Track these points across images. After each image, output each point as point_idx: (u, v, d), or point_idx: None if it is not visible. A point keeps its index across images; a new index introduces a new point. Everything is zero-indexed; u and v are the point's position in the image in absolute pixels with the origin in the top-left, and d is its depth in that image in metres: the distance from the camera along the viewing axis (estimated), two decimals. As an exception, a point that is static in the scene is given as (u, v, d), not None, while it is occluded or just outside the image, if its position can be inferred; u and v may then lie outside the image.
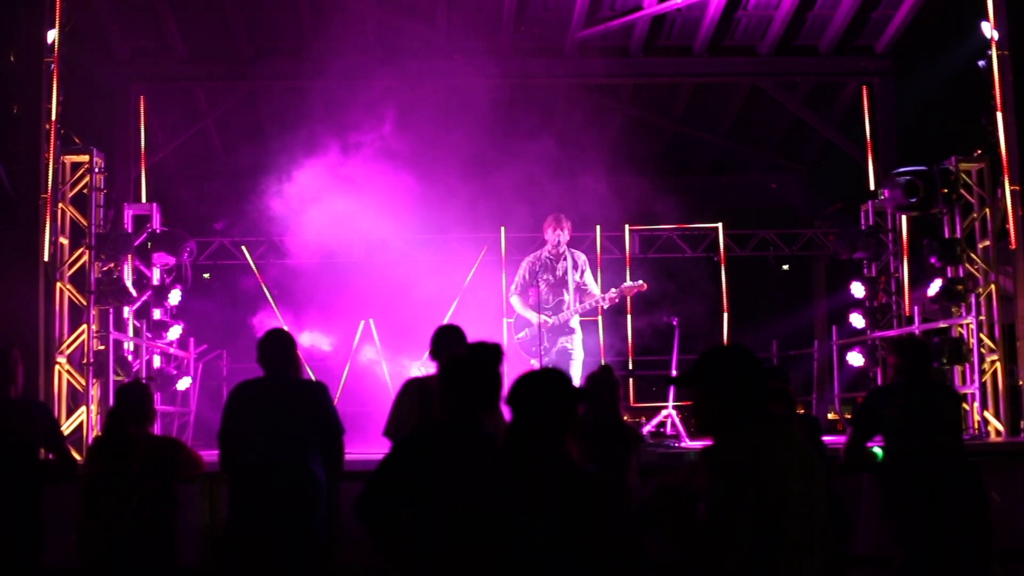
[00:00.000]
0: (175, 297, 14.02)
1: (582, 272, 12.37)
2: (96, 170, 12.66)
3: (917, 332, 13.23)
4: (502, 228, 14.69)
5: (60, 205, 12.36)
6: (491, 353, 5.36)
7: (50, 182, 11.97)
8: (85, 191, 12.65)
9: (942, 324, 13.27)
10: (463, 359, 5.38)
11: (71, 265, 12.55)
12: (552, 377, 4.60)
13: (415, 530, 5.01)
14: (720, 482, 4.41)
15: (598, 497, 4.41)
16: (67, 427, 11.66)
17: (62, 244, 12.44)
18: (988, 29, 12.74)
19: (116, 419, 7.51)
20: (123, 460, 7.21)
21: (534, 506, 4.29)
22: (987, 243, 13.08)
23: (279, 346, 7.42)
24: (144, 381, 11.80)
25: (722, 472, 4.43)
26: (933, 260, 13.10)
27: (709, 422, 4.57)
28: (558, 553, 4.26)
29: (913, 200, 13.25)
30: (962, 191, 13.23)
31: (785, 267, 19.83)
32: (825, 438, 9.12)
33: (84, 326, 12.28)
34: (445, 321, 11.06)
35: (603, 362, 10.83)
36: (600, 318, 13.63)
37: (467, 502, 4.41)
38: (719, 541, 4.35)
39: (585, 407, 7.96)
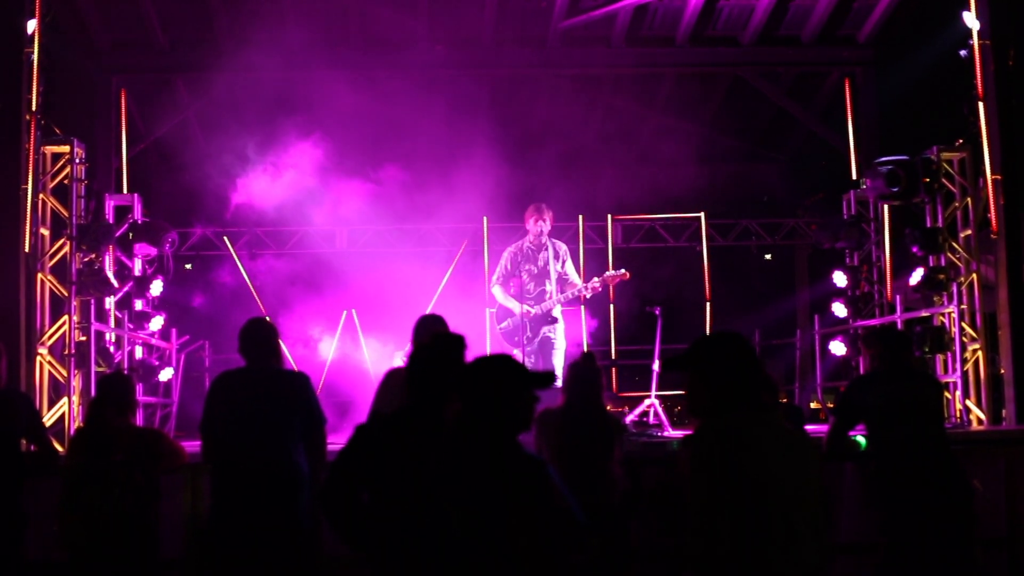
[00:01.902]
0: (157, 288, 13.98)
1: (563, 262, 12.38)
2: (77, 161, 12.61)
3: (899, 321, 13.26)
4: (484, 218, 14.67)
5: (41, 196, 12.30)
6: (453, 341, 5.38)
7: (31, 173, 11.90)
8: (66, 182, 12.60)
9: (924, 313, 13.30)
10: (425, 347, 5.39)
11: (52, 256, 12.51)
12: (499, 363, 4.60)
13: (374, 515, 5.00)
14: (699, 468, 4.43)
15: (541, 479, 4.42)
16: (49, 418, 11.63)
17: (43, 235, 12.39)
18: (970, 19, 12.76)
19: (97, 410, 7.49)
20: (105, 451, 7.19)
21: (478, 491, 4.31)
22: (969, 232, 13.11)
23: (261, 336, 7.42)
24: (126, 372, 11.82)
25: (701, 458, 4.45)
26: (915, 249, 13.12)
27: (700, 407, 4.58)
28: (500, 537, 4.27)
29: (895, 189, 13.27)
30: (944, 180, 13.26)
31: (768, 256, 19.87)
32: (808, 427, 9.14)
33: (65, 317, 12.24)
34: (427, 311, 11.05)
35: (585, 349, 10.85)
36: (583, 308, 13.63)
37: (416, 488, 4.42)
38: (701, 527, 4.37)
39: (565, 396, 7.97)
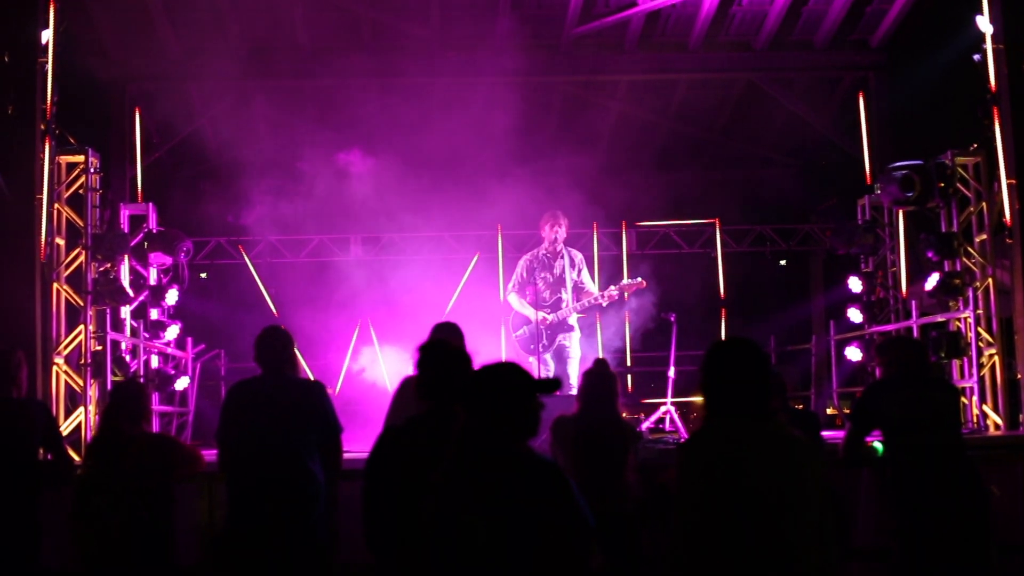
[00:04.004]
0: (172, 297, 14.00)
1: (579, 270, 12.39)
2: (91, 170, 12.63)
3: (915, 326, 13.24)
4: (499, 226, 14.67)
5: (56, 206, 12.33)
6: (453, 354, 5.42)
7: (45, 183, 11.93)
8: (81, 191, 12.62)
9: (940, 318, 13.26)
10: (432, 354, 5.41)
11: (67, 266, 12.53)
12: (503, 371, 4.59)
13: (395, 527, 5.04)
14: (683, 473, 4.49)
15: (554, 482, 4.41)
16: (65, 428, 11.64)
17: (58, 245, 12.42)
18: (983, 22, 12.73)
19: (111, 419, 7.49)
20: (117, 459, 7.18)
21: (489, 500, 4.30)
22: (984, 237, 13.08)
23: (276, 344, 7.43)
24: (141, 380, 11.82)
25: (685, 463, 4.51)
26: (930, 254, 13.08)
27: (709, 411, 4.65)
28: (517, 546, 4.26)
29: (909, 194, 13.24)
30: (958, 185, 13.22)
31: (782, 262, 19.83)
32: (824, 433, 9.13)
33: (81, 327, 12.25)
34: (443, 318, 11.05)
35: (600, 355, 10.83)
36: (598, 320, 13.63)
37: (430, 498, 4.41)
38: (685, 531, 4.41)
39: (580, 403, 7.97)
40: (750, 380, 4.60)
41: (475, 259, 14.86)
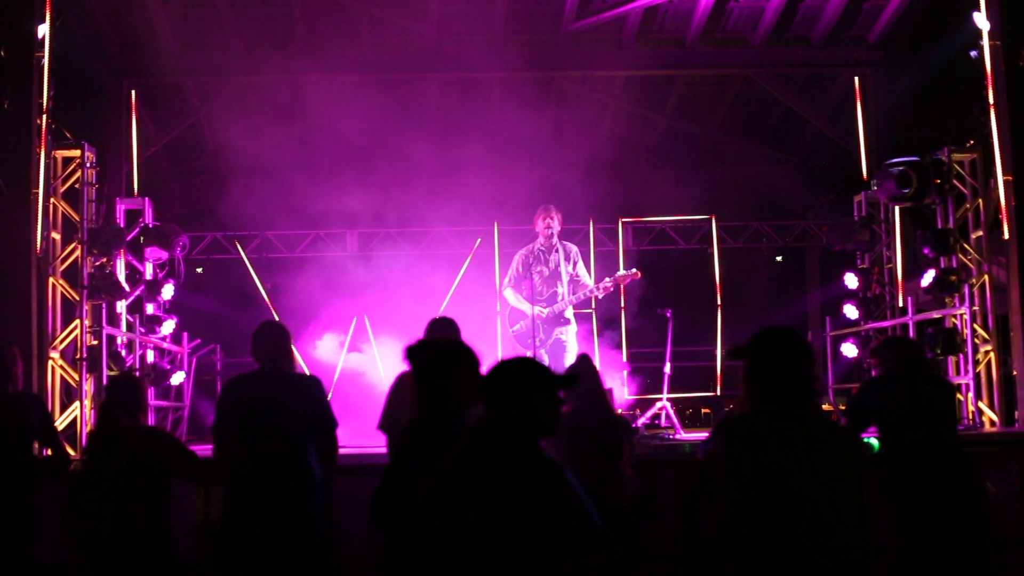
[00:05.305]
0: (168, 292, 13.98)
1: (575, 264, 12.37)
2: (88, 165, 12.62)
3: (911, 323, 13.24)
4: (495, 223, 14.65)
5: (52, 200, 12.32)
6: (453, 349, 5.40)
7: (41, 177, 11.93)
8: (77, 186, 12.61)
9: (936, 315, 13.26)
10: (427, 356, 5.39)
11: (63, 260, 12.52)
12: (524, 366, 4.58)
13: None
14: (728, 455, 4.56)
15: (559, 483, 4.39)
16: (61, 422, 11.64)
17: (54, 239, 12.41)
18: (980, 19, 12.73)
19: (107, 412, 7.45)
20: (113, 453, 7.12)
21: (499, 496, 4.28)
22: (980, 233, 13.08)
23: (273, 339, 7.42)
24: (137, 374, 11.81)
25: (730, 445, 4.61)
26: (926, 251, 13.09)
27: (750, 396, 4.76)
28: (520, 541, 4.25)
29: (906, 191, 13.23)
30: (955, 181, 13.22)
31: (779, 258, 19.83)
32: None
33: (77, 321, 12.24)
34: (439, 313, 11.04)
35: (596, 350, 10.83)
36: (594, 314, 13.62)
37: (437, 494, 4.39)
38: (730, 512, 4.45)
39: (571, 399, 7.95)
40: (796, 367, 4.71)
41: (471, 255, 14.84)
